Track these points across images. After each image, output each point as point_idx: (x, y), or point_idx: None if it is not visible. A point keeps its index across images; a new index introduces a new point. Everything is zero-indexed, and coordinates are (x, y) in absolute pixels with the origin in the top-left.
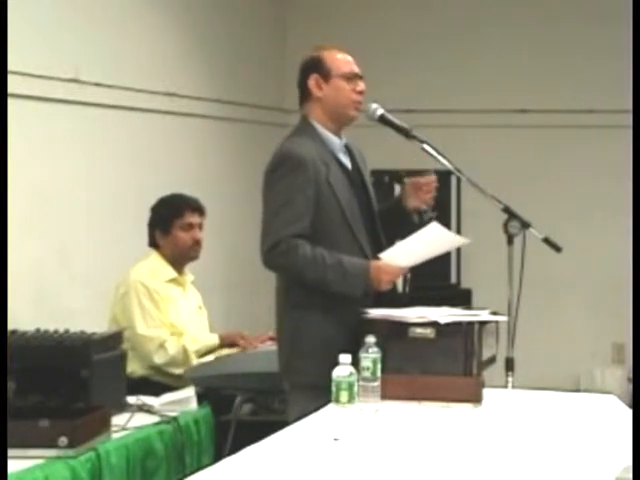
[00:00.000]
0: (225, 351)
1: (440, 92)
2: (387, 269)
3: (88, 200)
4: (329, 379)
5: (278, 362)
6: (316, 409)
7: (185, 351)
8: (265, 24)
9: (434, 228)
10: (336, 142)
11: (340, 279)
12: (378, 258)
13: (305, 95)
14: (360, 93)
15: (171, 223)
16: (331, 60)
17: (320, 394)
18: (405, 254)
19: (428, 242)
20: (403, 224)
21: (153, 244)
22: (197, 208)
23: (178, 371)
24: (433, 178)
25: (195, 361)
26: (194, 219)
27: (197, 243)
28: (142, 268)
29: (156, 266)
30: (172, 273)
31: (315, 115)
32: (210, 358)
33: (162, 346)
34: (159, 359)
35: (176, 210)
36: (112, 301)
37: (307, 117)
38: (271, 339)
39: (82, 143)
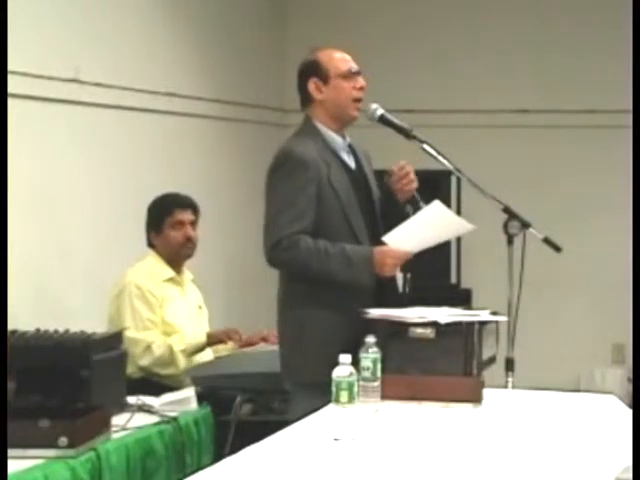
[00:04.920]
0: (225, 351)
1: (440, 92)
2: (391, 253)
3: (88, 200)
4: (331, 377)
5: (280, 360)
6: (318, 407)
7: (171, 351)
8: (265, 24)
9: (437, 207)
10: (339, 141)
11: (345, 267)
12: (382, 244)
13: (306, 99)
14: (360, 89)
15: (162, 222)
16: (328, 61)
17: (322, 392)
18: (409, 237)
19: (431, 224)
20: (399, 217)
21: (150, 244)
22: (188, 205)
23: (165, 371)
24: (402, 164)
25: (182, 361)
26: (184, 216)
27: (189, 240)
28: (138, 269)
29: (153, 266)
30: (170, 273)
31: (317, 116)
32: (210, 357)
33: (148, 348)
34: (144, 361)
35: (166, 209)
36: (108, 302)
37: (309, 118)
38: (264, 339)
39: (82, 143)
